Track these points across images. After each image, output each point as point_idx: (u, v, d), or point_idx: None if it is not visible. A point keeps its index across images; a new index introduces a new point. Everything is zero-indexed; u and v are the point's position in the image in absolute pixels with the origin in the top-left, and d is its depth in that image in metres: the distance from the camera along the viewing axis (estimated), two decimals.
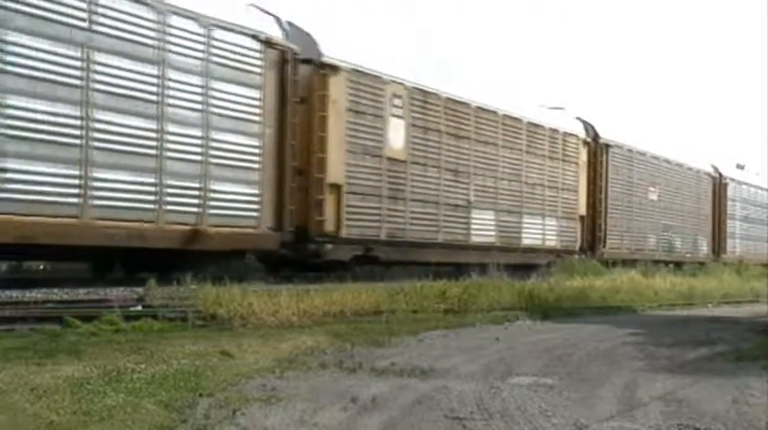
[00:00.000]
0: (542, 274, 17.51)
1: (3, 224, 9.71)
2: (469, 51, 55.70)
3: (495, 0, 61.30)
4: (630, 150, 23.52)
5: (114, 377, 6.19)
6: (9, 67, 9.82)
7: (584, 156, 21.41)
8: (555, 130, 20.26)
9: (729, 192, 29.52)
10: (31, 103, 9.99)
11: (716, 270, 23.71)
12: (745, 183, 31.10)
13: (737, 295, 19.36)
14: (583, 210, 21.44)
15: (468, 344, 9.27)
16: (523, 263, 18.23)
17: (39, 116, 10.10)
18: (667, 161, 25.65)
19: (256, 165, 12.83)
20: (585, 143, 21.56)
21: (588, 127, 21.88)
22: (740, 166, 34.50)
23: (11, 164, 9.88)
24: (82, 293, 10.43)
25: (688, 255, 26.53)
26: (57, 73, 10.28)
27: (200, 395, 5.82)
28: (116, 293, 10.29)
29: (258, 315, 9.94)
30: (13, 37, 9.84)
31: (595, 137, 21.93)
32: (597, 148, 21.95)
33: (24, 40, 9.94)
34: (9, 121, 9.84)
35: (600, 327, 11.52)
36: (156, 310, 9.58)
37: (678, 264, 24.10)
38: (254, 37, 12.78)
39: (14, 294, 9.70)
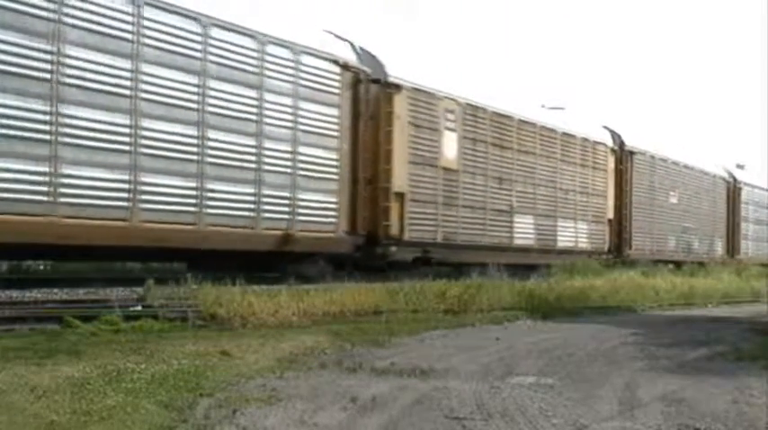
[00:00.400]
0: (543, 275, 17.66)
1: (142, 230, 11.21)
2: (469, 52, 55.75)
3: (496, 1, 61.32)
4: (653, 157, 24.68)
5: (114, 377, 6.19)
6: (145, 95, 11.27)
7: (611, 163, 22.69)
8: (586, 139, 21.57)
9: (743, 196, 30.70)
10: (167, 126, 11.59)
11: (716, 270, 23.86)
12: (758, 187, 32.17)
13: (737, 295, 19.37)
14: (611, 213, 22.72)
15: (468, 344, 9.27)
16: (557, 263, 19.25)
17: (171, 137, 11.65)
18: (686, 166, 26.80)
19: (335, 176, 14.27)
20: (613, 151, 22.83)
21: (615, 135, 23.09)
22: (740, 166, 34.86)
23: (148, 178, 11.36)
24: (82, 293, 10.44)
25: (705, 256, 27.30)
26: (183, 98, 11.85)
27: (201, 395, 5.82)
28: (116, 293, 10.29)
29: (258, 315, 9.94)
30: (149, 69, 11.32)
31: (621, 145, 23.17)
32: (623, 156, 23.16)
33: (164, 72, 11.55)
34: (146, 141, 11.30)
35: (600, 327, 11.52)
36: (156, 310, 9.58)
37: (701, 264, 25.06)
38: (335, 61, 14.31)
39: (14, 294, 9.71)
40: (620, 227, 23.07)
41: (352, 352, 8.23)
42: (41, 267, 14.26)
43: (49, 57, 10.17)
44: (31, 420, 5.00)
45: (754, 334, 10.90)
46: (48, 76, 10.17)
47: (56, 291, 10.32)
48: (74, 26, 10.50)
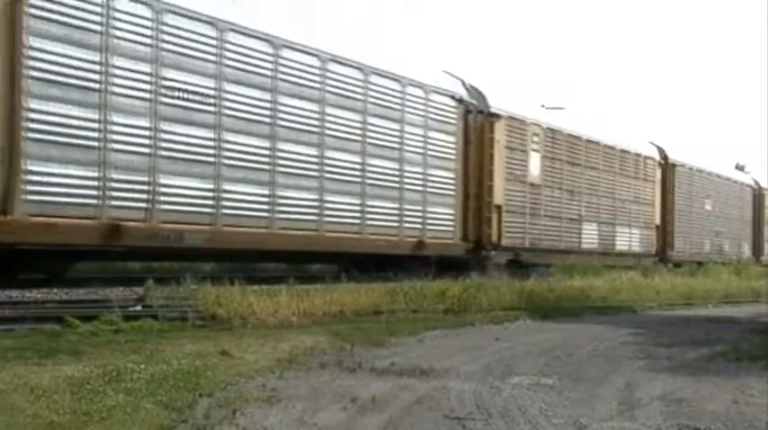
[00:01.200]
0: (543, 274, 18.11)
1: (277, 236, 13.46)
2: (471, 51, 55.75)
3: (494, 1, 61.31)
4: (691, 168, 27.72)
5: (114, 377, 6.19)
6: (283, 122, 13.54)
7: (658, 175, 25.76)
8: (638, 155, 24.66)
9: (767, 202, 33.91)
10: (301, 148, 13.90)
11: (716, 270, 24.08)
12: None
13: (737, 295, 19.36)
14: (657, 220, 25.77)
15: (468, 344, 9.27)
16: (615, 264, 21.41)
17: (303, 158, 13.97)
18: (718, 176, 29.87)
19: (452, 193, 17.36)
20: (659, 164, 25.89)
21: (660, 150, 26.04)
22: (739, 167, 35.59)
23: (283, 192, 13.60)
24: (82, 293, 10.43)
25: (734, 257, 29.47)
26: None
27: (200, 395, 5.82)
28: (116, 293, 10.29)
29: (258, 315, 9.95)
30: (285, 100, 13.47)
31: (665, 158, 26.07)
32: (667, 168, 26.13)
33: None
34: (281, 161, 13.50)
35: (600, 327, 11.52)
36: (156, 310, 9.58)
37: (724, 264, 26.59)
38: (452, 97, 17.39)
39: (14, 294, 9.71)
40: (664, 232, 25.98)
41: (352, 352, 8.23)
42: None
43: (214, 92, 12.35)
44: (31, 420, 5.00)
45: (754, 334, 10.88)
46: (212, 109, 12.38)
47: (56, 290, 10.31)
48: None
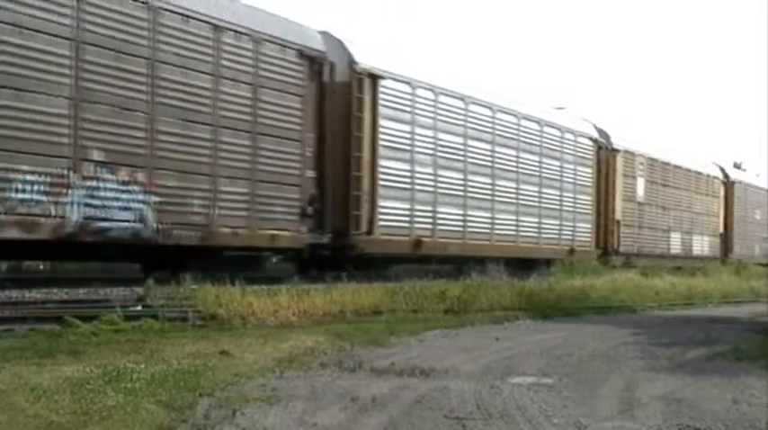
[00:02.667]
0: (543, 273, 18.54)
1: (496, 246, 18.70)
2: (471, 51, 55.77)
3: (496, 2, 61.32)
4: (744, 184, 32.90)
5: (114, 377, 6.19)
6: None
7: (722, 191, 30.79)
8: (708, 175, 29.89)
9: None
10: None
11: (716, 270, 24.36)
12: None
13: (737, 295, 19.39)
14: (721, 228, 30.79)
15: (468, 344, 9.27)
16: (692, 266, 26.30)
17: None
18: (765, 190, 34.56)
19: (590, 212, 22.25)
20: (723, 182, 30.90)
21: (722, 169, 31.21)
22: (737, 166, 36.51)
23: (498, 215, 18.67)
24: (82, 293, 10.43)
25: None
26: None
27: (200, 395, 5.82)
28: (116, 293, 10.29)
29: (258, 315, 9.95)
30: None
31: (726, 176, 31.15)
32: (728, 184, 31.14)
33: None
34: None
35: (600, 327, 11.52)
36: (156, 310, 9.57)
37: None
38: (590, 138, 22.35)
39: (14, 294, 9.70)
40: (726, 238, 31.01)
41: (352, 352, 8.23)
42: (41, 267, 14.27)
43: (462, 147, 17.49)
44: (31, 420, 5.00)
45: (754, 334, 10.89)
46: (462, 158, 17.62)
47: (56, 290, 10.31)
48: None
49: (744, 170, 36.77)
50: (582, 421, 5.36)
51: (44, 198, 10.10)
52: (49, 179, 10.16)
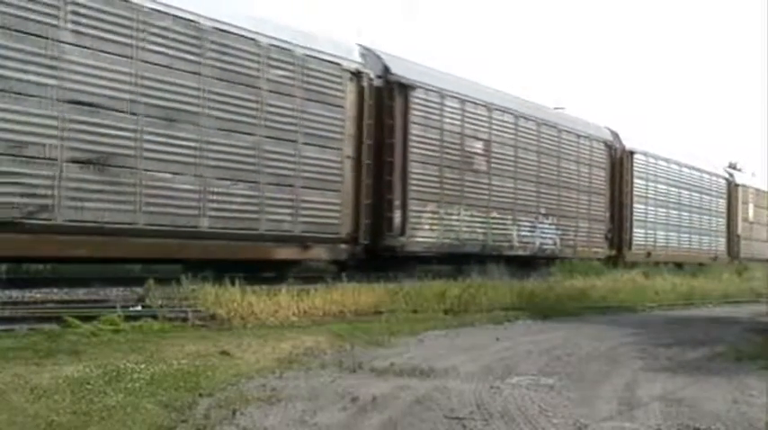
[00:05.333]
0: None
1: None
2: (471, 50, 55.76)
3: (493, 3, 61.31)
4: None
5: (114, 377, 6.19)
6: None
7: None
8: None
9: None
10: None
11: (716, 270, 24.35)
12: None
13: (737, 295, 19.38)
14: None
15: (468, 344, 9.27)
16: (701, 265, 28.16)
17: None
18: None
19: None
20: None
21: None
22: (732, 165, 37.26)
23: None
24: (82, 293, 10.44)
25: None
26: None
27: (200, 395, 5.82)
28: (116, 293, 10.29)
29: (258, 315, 9.95)
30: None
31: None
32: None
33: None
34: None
35: (600, 327, 11.52)
36: (156, 310, 9.58)
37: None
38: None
39: (14, 294, 9.71)
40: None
41: (352, 352, 8.23)
42: (41, 267, 14.26)
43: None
44: (31, 420, 5.00)
45: (754, 334, 10.88)
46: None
47: (56, 290, 10.33)
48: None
49: (740, 170, 37.48)
50: (582, 421, 5.36)
51: None
52: None
